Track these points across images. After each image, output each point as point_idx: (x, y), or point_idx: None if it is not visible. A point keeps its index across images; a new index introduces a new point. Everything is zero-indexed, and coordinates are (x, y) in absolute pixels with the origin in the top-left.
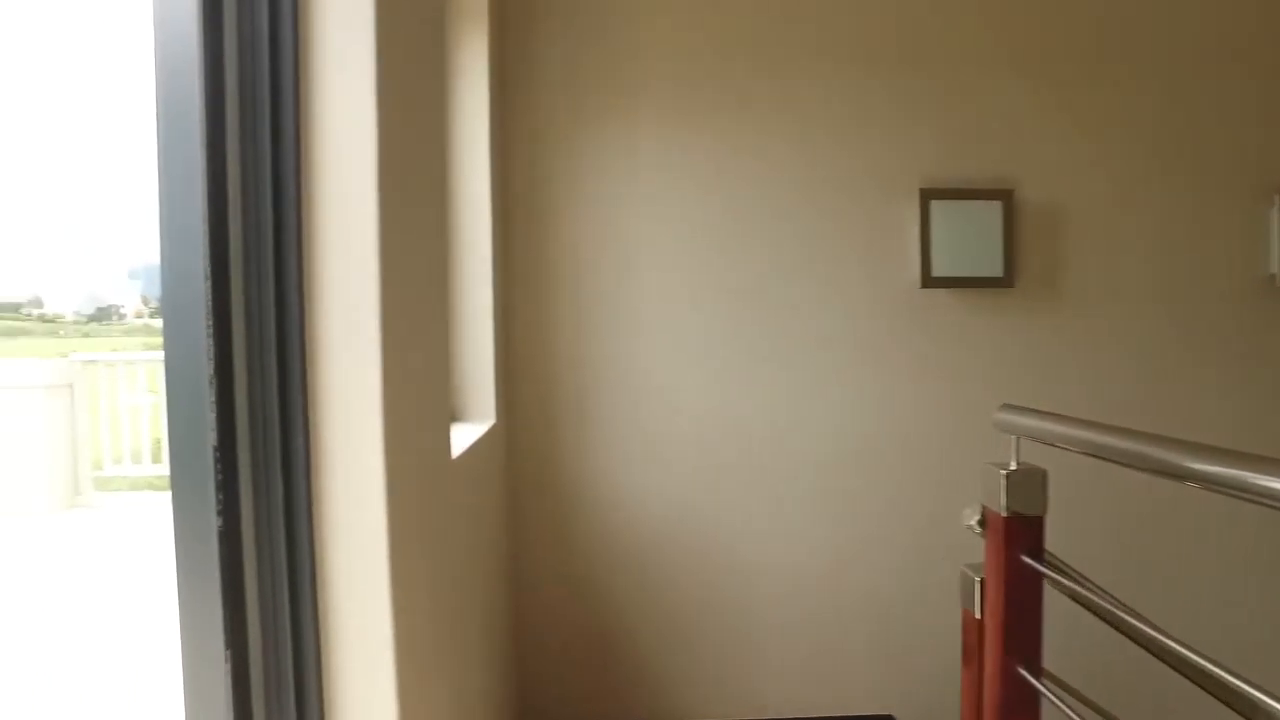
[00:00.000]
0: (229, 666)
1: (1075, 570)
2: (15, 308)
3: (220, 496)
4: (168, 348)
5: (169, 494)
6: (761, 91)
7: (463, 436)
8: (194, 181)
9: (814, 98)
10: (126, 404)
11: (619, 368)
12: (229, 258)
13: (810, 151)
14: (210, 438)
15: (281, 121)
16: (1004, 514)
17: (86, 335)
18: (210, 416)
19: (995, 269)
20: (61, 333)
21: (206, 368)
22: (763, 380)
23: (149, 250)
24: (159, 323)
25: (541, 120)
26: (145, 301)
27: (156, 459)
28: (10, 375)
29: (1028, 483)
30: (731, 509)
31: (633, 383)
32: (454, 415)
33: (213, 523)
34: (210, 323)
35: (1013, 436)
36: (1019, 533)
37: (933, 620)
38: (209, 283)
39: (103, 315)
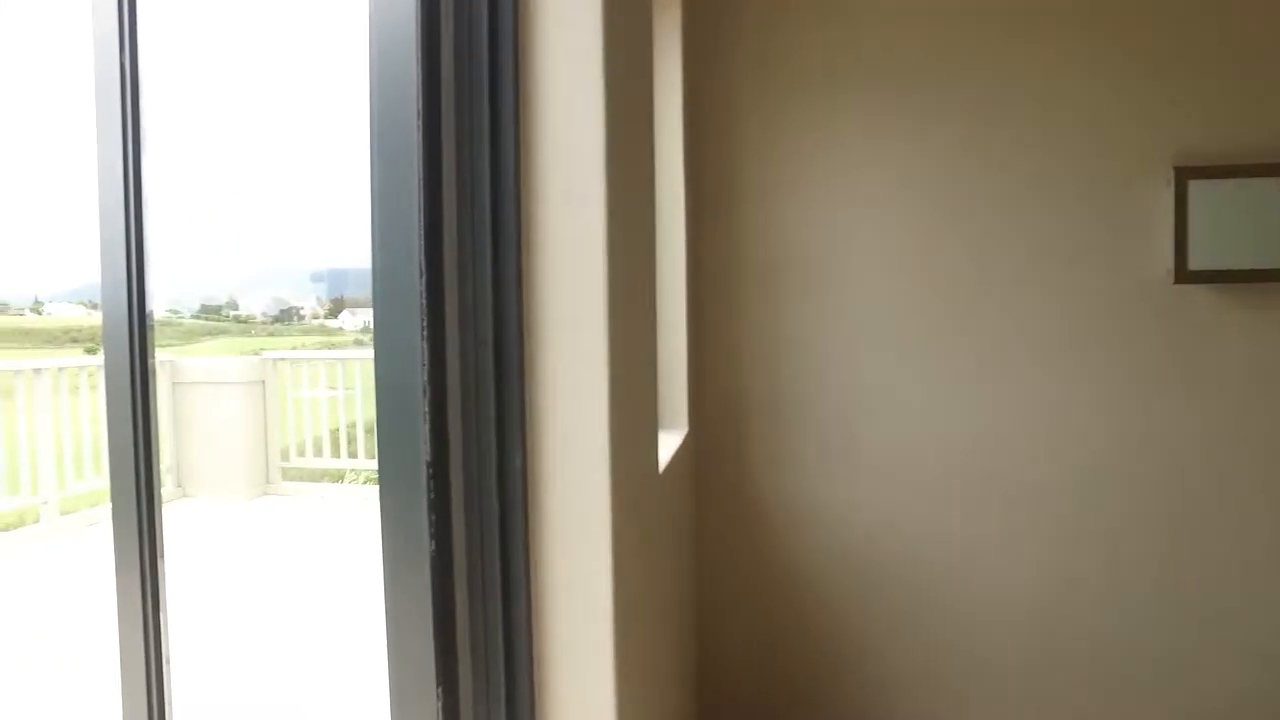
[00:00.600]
0: (440, 705)
1: None
2: (217, 309)
3: (433, 518)
4: (378, 353)
5: (379, 504)
6: (978, 64)
7: (664, 447)
8: (408, 176)
9: (1039, 67)
10: (308, 399)
11: (816, 372)
12: (443, 257)
13: (1036, 128)
14: (424, 452)
15: (501, 113)
16: None
17: (272, 334)
18: (424, 429)
19: (1274, 259)
20: (253, 332)
21: (420, 375)
22: (979, 388)
23: (332, 254)
24: (334, 322)
25: (735, 107)
26: (320, 303)
27: (335, 452)
28: (215, 373)
29: None
30: (940, 534)
31: (832, 389)
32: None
33: (425, 547)
34: (425, 326)
35: None
36: None
37: (1195, 680)
38: (423, 281)
39: (285, 316)
